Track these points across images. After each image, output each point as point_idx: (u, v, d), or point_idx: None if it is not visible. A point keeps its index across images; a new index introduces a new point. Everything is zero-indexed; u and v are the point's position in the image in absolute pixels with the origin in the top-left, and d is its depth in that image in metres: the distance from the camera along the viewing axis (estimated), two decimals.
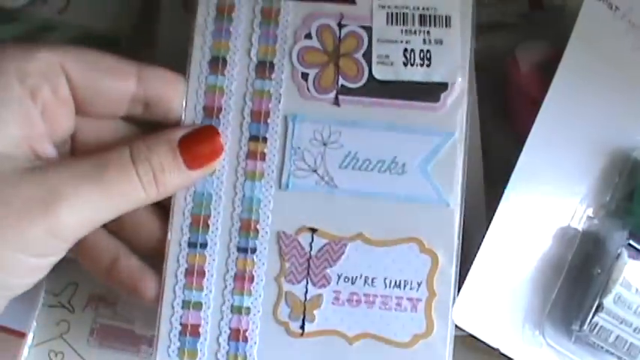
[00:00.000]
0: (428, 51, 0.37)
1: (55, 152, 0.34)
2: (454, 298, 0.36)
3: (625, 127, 0.39)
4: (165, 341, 0.36)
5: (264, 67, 0.36)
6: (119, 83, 0.34)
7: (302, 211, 0.36)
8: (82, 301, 0.45)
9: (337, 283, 0.36)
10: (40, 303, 0.43)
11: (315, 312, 0.36)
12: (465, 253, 0.37)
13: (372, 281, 0.36)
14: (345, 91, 0.36)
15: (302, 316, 0.36)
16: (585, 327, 0.36)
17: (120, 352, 0.43)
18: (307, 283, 0.36)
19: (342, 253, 0.36)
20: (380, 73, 0.36)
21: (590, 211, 0.38)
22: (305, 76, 0.36)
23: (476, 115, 0.41)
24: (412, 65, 0.37)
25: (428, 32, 0.37)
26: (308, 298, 0.36)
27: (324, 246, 0.36)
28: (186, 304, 0.36)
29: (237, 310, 0.36)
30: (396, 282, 0.36)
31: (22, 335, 0.43)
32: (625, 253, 0.37)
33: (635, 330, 0.37)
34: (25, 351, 0.43)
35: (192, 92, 0.36)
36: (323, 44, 0.36)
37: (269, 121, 0.36)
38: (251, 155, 0.36)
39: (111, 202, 0.33)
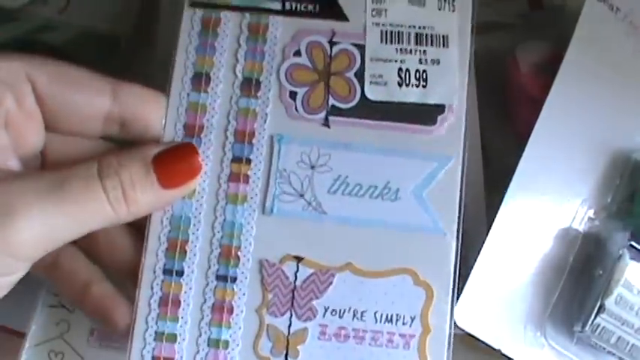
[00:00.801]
0: (424, 71, 0.40)
1: (19, 166, 0.36)
2: (450, 335, 0.38)
3: (626, 128, 0.42)
4: None
5: (249, 85, 0.39)
6: (91, 99, 0.36)
7: (287, 238, 0.38)
8: None
9: (324, 316, 0.38)
10: (40, 303, 0.45)
11: (299, 347, 0.38)
12: (465, 254, 0.39)
13: (362, 315, 0.38)
14: (335, 111, 0.39)
15: (285, 352, 0.38)
16: (587, 328, 0.39)
17: (120, 352, 0.44)
18: (291, 315, 0.38)
19: (330, 283, 0.38)
20: (373, 93, 0.40)
21: (591, 213, 0.42)
22: (293, 95, 0.40)
23: (475, 117, 0.44)
24: (407, 86, 0.40)
25: (424, 52, 0.40)
26: (292, 332, 0.38)
27: (310, 276, 0.38)
28: (159, 336, 0.38)
29: (214, 343, 0.38)
30: (387, 316, 0.38)
31: (22, 335, 0.45)
32: (626, 255, 0.40)
33: (636, 331, 0.39)
34: (25, 351, 0.45)
35: (173, 109, 0.39)
36: (313, 62, 0.40)
37: (254, 141, 0.39)
38: (233, 177, 0.39)
39: (73, 219, 0.34)
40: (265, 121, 0.38)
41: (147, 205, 0.36)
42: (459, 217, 0.38)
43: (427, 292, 0.38)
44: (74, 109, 0.36)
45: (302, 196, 0.38)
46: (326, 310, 0.38)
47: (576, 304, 0.41)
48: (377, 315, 0.38)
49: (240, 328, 0.37)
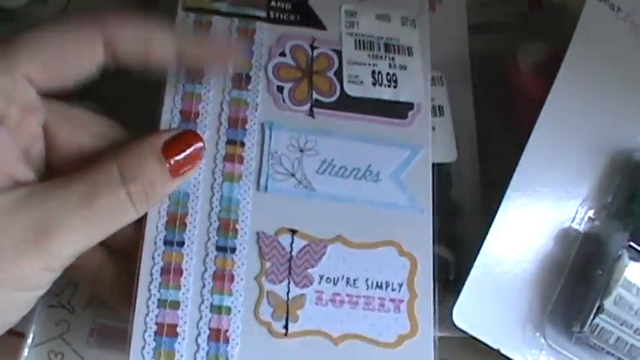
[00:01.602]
0: (394, 74, 0.52)
1: (31, 174, 0.41)
2: (435, 300, 0.48)
3: (626, 128, 0.47)
4: (140, 342, 0.42)
5: (240, 79, 0.49)
6: (82, 58, 0.41)
7: (281, 213, 0.47)
8: (82, 301, 0.51)
9: (319, 283, 0.46)
10: (40, 303, 0.48)
11: (298, 312, 0.45)
12: (464, 254, 0.46)
13: (354, 282, 0.47)
14: (319, 104, 0.49)
15: (285, 316, 0.45)
16: (586, 328, 0.44)
17: (120, 352, 0.47)
18: (289, 283, 0.46)
19: (323, 254, 0.47)
20: (351, 90, 0.50)
21: (591, 213, 0.47)
22: (280, 88, 0.49)
23: (472, 115, 0.53)
24: (380, 85, 0.51)
25: (393, 58, 0.52)
26: (290, 297, 0.46)
27: (305, 247, 0.47)
28: (162, 303, 0.44)
29: (217, 309, 0.44)
30: (377, 283, 0.47)
31: (22, 335, 0.49)
32: (626, 255, 0.44)
33: (635, 331, 0.44)
34: (25, 351, 0.49)
35: (169, 98, 0.48)
36: (297, 61, 0.50)
37: (247, 127, 0.48)
38: (229, 158, 0.47)
39: (103, 227, 0.40)
40: (256, 110, 0.48)
41: (162, 197, 0.43)
42: (432, 199, 0.49)
43: (411, 262, 0.47)
44: (68, 70, 0.42)
45: (293, 175, 0.47)
46: (321, 278, 0.45)
47: (575, 305, 0.45)
48: (368, 282, 0.46)
49: (241, 295, 0.44)
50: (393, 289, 0.45)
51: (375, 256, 0.45)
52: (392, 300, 0.44)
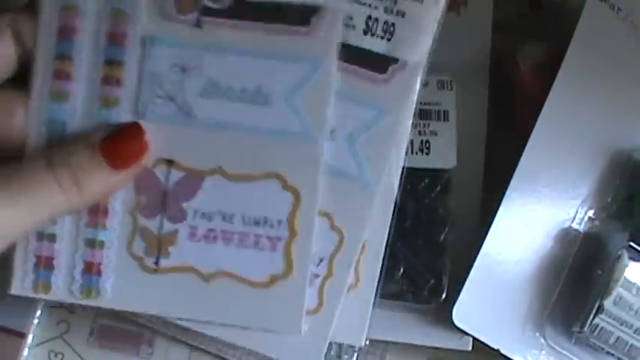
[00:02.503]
0: None
1: None
2: (315, 240, 0.44)
3: (626, 128, 0.47)
4: (20, 273, 0.44)
5: None
6: None
7: (158, 142, 0.43)
8: None
9: (194, 218, 0.44)
10: (40, 303, 0.52)
11: (170, 248, 0.44)
12: (457, 264, 0.45)
13: (231, 218, 0.44)
14: (208, 11, 0.44)
15: (157, 251, 0.44)
16: (586, 328, 0.44)
17: (120, 352, 0.53)
18: (162, 217, 0.45)
19: (200, 187, 0.44)
20: None
21: (591, 213, 0.47)
22: None
23: (483, 124, 0.50)
24: None
25: None
26: (163, 233, 0.45)
27: (181, 179, 0.44)
28: (39, 236, 0.44)
29: (91, 243, 0.44)
30: (255, 219, 0.44)
31: (22, 335, 0.51)
32: (625, 255, 0.44)
33: (635, 331, 0.44)
34: (25, 351, 0.52)
35: (45, 13, 0.43)
36: None
37: (126, 43, 0.44)
38: (106, 80, 0.44)
39: (28, 211, 0.40)
40: (137, 23, 0.43)
41: (100, 188, 0.41)
42: (329, 123, 0.43)
43: (294, 197, 0.43)
44: None
45: (173, 99, 0.43)
46: (196, 213, 0.43)
47: (575, 305, 0.46)
48: (245, 218, 0.43)
49: (115, 229, 0.44)
50: (271, 226, 0.42)
51: (255, 189, 0.43)
52: (269, 238, 0.42)
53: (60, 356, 0.52)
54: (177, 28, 0.43)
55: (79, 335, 0.52)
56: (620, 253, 0.45)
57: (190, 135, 0.43)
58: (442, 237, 0.49)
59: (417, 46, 0.43)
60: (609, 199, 0.47)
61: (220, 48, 0.42)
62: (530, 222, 0.46)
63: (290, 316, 0.42)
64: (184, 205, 0.43)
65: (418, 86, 0.43)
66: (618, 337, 0.45)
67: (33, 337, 0.51)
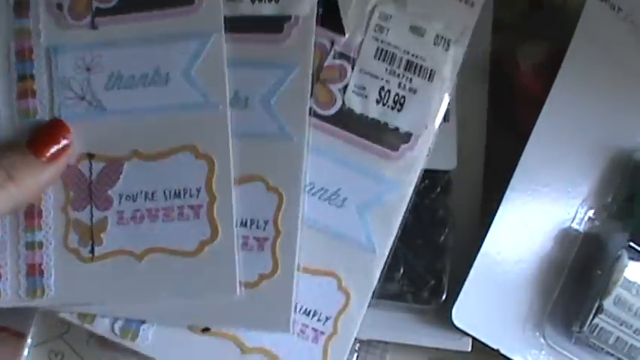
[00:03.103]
0: None
1: None
2: (234, 201, 0.46)
3: (627, 128, 0.47)
4: None
5: (20, 6, 0.47)
6: None
7: (77, 139, 0.46)
8: None
9: (120, 203, 0.46)
10: None
11: (102, 235, 0.46)
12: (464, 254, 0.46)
13: (153, 195, 0.46)
14: (100, 12, 0.46)
15: (90, 241, 0.46)
16: (585, 328, 0.44)
17: (120, 353, 0.54)
18: (92, 207, 0.47)
19: (120, 173, 0.46)
20: None
21: (591, 213, 0.47)
22: (60, 6, 0.47)
23: (483, 124, 0.51)
24: None
25: None
26: (94, 222, 0.47)
27: (103, 169, 0.46)
28: None
29: (30, 246, 0.47)
30: (175, 192, 0.46)
31: (22, 335, 0.52)
32: (625, 255, 0.44)
33: (635, 331, 0.44)
34: (25, 351, 0.52)
35: None
36: None
37: (33, 57, 0.48)
38: (22, 94, 0.47)
39: None
40: (40, 37, 0.46)
41: (34, 181, 0.44)
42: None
43: (208, 163, 0.45)
44: None
45: (83, 98, 0.46)
46: (121, 197, 0.45)
47: (575, 305, 0.46)
48: (166, 193, 0.45)
49: (50, 227, 0.46)
50: (191, 195, 0.44)
51: (171, 164, 0.45)
52: (190, 207, 0.44)
53: (60, 356, 0.53)
54: (75, 34, 0.46)
55: (79, 335, 0.51)
56: (620, 253, 0.45)
57: (104, 126, 0.45)
58: (442, 238, 0.49)
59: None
60: (609, 199, 0.47)
61: (116, 43, 0.45)
62: (530, 222, 0.46)
63: (223, 279, 0.44)
64: (109, 192, 0.45)
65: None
66: (618, 337, 0.44)
67: (33, 337, 0.51)
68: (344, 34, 0.46)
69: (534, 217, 0.46)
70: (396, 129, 0.46)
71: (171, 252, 0.44)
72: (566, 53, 0.46)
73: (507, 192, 0.46)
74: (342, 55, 0.46)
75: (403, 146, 0.46)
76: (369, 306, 0.45)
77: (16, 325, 0.50)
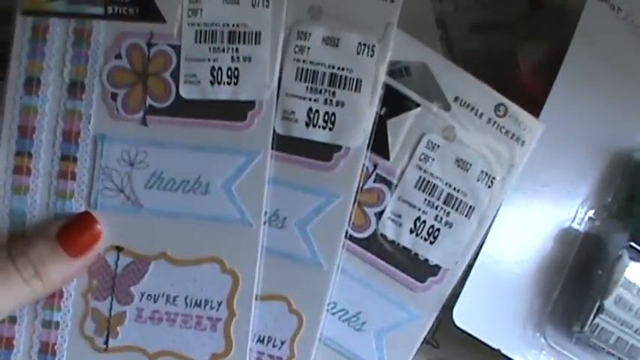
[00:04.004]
0: (236, 68, 0.47)
1: None
2: (252, 320, 0.46)
3: (627, 128, 0.47)
4: None
5: (75, 88, 0.47)
6: None
7: (109, 230, 0.47)
8: None
9: (140, 300, 0.47)
10: None
11: (118, 328, 0.47)
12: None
13: (174, 300, 0.47)
14: (152, 111, 0.47)
15: (106, 332, 0.47)
16: (586, 328, 0.44)
17: None
18: (112, 300, 0.47)
19: (146, 271, 0.47)
20: (186, 92, 0.47)
21: (591, 213, 0.47)
22: (114, 96, 0.47)
23: None
24: (219, 84, 0.47)
25: (237, 49, 0.47)
26: (112, 314, 0.47)
27: (129, 264, 0.47)
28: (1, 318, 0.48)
29: (47, 324, 0.47)
30: (197, 301, 0.47)
31: None
32: (626, 255, 0.44)
33: (635, 331, 0.44)
34: None
35: (8, 113, 0.48)
36: (132, 64, 0.47)
37: (79, 140, 0.48)
38: (62, 175, 0.47)
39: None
40: (89, 122, 0.47)
41: (60, 276, 0.44)
42: (264, 210, 0.46)
43: (233, 279, 0.45)
44: None
45: (122, 191, 0.46)
46: (142, 295, 0.46)
47: (576, 305, 0.45)
48: (187, 300, 0.46)
49: (69, 310, 0.46)
50: (211, 308, 0.45)
51: (197, 273, 0.45)
52: (209, 318, 0.45)
53: None
54: (124, 126, 0.46)
55: None
56: (620, 253, 0.44)
57: (137, 223, 0.46)
58: None
59: (262, 84, 0.46)
60: (609, 199, 0.47)
61: (163, 143, 0.45)
62: (530, 222, 0.46)
63: None
64: (132, 288, 0.45)
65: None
66: (618, 337, 0.44)
67: None
68: (388, 159, 0.46)
69: (534, 217, 0.46)
70: (426, 261, 0.46)
71: (183, 358, 0.44)
72: (566, 53, 0.45)
73: (507, 192, 0.45)
74: (382, 179, 0.47)
75: (431, 279, 0.46)
76: None
77: None
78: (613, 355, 0.45)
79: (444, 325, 0.49)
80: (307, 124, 0.46)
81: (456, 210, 0.46)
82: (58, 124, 0.46)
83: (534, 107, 0.45)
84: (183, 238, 0.45)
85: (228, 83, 0.45)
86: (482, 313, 0.45)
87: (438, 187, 0.46)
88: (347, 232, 0.46)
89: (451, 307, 0.45)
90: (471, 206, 0.46)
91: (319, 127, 0.46)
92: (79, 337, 0.46)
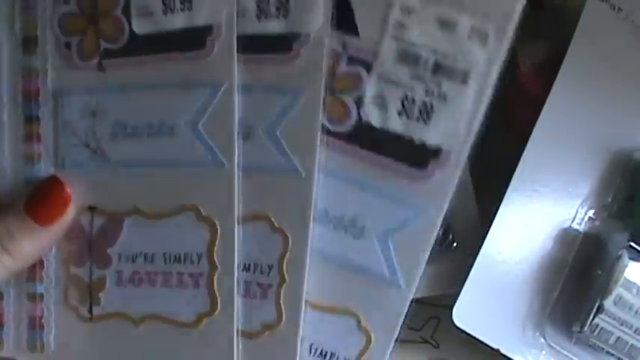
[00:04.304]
0: None
1: None
2: (237, 271, 0.41)
3: (627, 128, 0.45)
4: None
5: (28, 42, 0.44)
6: None
7: (80, 190, 0.43)
8: None
9: (119, 262, 0.42)
10: None
11: (100, 295, 0.43)
12: (461, 254, 0.44)
13: (152, 258, 0.42)
14: (108, 54, 0.42)
15: (89, 300, 0.43)
16: (586, 328, 0.43)
17: None
18: (91, 265, 0.43)
19: (120, 230, 0.43)
20: (140, 26, 0.42)
21: (591, 213, 0.45)
22: (68, 45, 0.43)
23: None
24: (172, 12, 0.42)
25: None
26: (93, 280, 0.43)
27: (103, 225, 0.43)
28: None
29: (32, 297, 0.44)
30: (175, 256, 0.42)
31: None
32: (626, 255, 0.43)
33: (635, 331, 0.43)
34: None
35: None
36: (80, 6, 0.43)
37: (40, 99, 0.44)
38: (28, 137, 0.44)
39: None
40: (47, 76, 0.43)
41: (32, 247, 0.41)
42: (237, 146, 0.40)
43: (211, 228, 0.40)
44: None
45: (88, 145, 0.42)
46: (120, 257, 0.42)
47: (575, 305, 0.44)
48: (166, 256, 0.41)
49: (52, 281, 0.43)
50: (191, 262, 0.40)
51: (172, 225, 0.41)
52: (191, 274, 0.40)
53: None
54: (83, 76, 0.42)
55: None
56: (620, 253, 0.43)
57: (107, 178, 0.42)
58: None
59: (220, 5, 0.40)
60: (609, 199, 0.46)
61: (123, 87, 0.41)
62: (530, 222, 0.45)
63: (220, 355, 0.39)
64: (109, 250, 0.41)
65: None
66: (618, 337, 0.43)
67: None
68: (357, 35, 0.40)
69: (534, 217, 0.45)
70: (423, 144, 0.40)
71: (169, 321, 0.41)
72: (566, 53, 0.44)
73: (507, 192, 0.44)
74: (356, 60, 0.40)
75: (432, 163, 0.40)
76: None
77: None
78: (613, 355, 0.44)
79: (443, 325, 0.49)
80: (259, 17, 0.40)
81: (449, 79, 0.40)
82: (18, 85, 0.42)
83: (534, 107, 0.44)
84: (154, 189, 0.41)
85: (182, 10, 0.40)
86: (482, 313, 0.44)
87: (422, 56, 0.40)
88: (323, 125, 0.40)
89: (451, 307, 0.44)
90: (465, 71, 0.40)
91: (272, 16, 0.40)
92: (65, 308, 0.43)
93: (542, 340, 0.45)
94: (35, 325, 0.43)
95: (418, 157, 0.40)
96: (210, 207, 0.40)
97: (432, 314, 0.50)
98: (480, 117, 0.40)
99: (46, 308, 0.43)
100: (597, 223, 0.46)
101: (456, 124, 0.40)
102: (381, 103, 0.40)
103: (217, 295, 0.40)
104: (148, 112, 0.41)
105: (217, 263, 0.40)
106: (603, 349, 0.44)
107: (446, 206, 0.40)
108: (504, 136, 0.47)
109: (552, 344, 0.45)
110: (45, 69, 0.43)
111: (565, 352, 0.45)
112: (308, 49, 0.40)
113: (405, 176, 0.40)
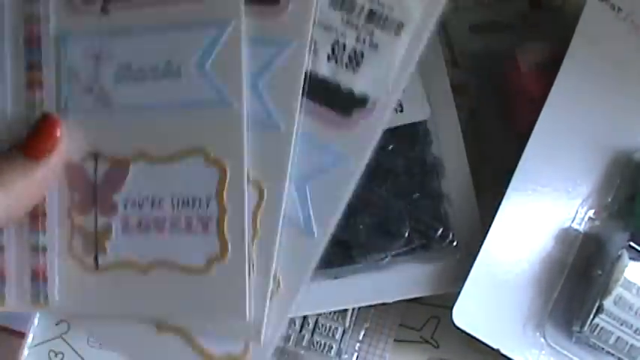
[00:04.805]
0: None
1: None
2: (249, 214, 0.40)
3: (627, 128, 0.45)
4: None
5: None
6: None
7: (84, 135, 0.42)
8: None
9: (125, 208, 0.41)
10: None
11: (106, 243, 0.41)
12: (462, 253, 0.44)
13: (160, 202, 0.41)
14: None
15: (94, 249, 0.42)
16: (586, 328, 0.43)
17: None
18: (96, 212, 0.42)
19: (126, 175, 0.41)
20: None
21: (591, 213, 0.45)
22: None
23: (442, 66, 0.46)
24: None
25: None
26: (98, 228, 0.42)
27: (108, 171, 0.41)
28: None
29: (34, 248, 0.42)
30: (184, 200, 0.40)
31: (22, 335, 0.50)
32: (626, 255, 0.43)
33: (635, 331, 0.43)
34: (25, 351, 0.50)
35: None
36: None
37: (41, 45, 0.42)
38: (29, 85, 0.42)
39: None
40: (49, 22, 0.41)
41: (27, 182, 0.40)
42: (245, 86, 0.39)
43: (220, 170, 0.39)
44: None
45: (91, 90, 0.41)
46: (126, 203, 0.40)
47: (575, 304, 0.44)
48: (174, 201, 0.40)
49: (55, 231, 0.41)
50: (200, 206, 0.39)
51: (180, 168, 0.40)
52: (200, 218, 0.39)
53: (60, 356, 0.50)
54: (86, 20, 0.41)
55: (79, 335, 0.49)
56: (620, 253, 0.43)
57: (111, 123, 0.41)
58: (438, 183, 0.46)
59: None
60: (609, 199, 0.46)
61: (126, 30, 0.40)
62: (530, 222, 0.44)
63: (232, 302, 0.38)
64: (114, 196, 0.39)
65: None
66: (618, 337, 0.43)
67: (33, 337, 0.49)
68: None
69: (534, 217, 0.44)
70: (350, 91, 0.39)
71: (178, 267, 0.39)
72: (566, 53, 0.44)
73: (507, 192, 0.44)
74: None
75: (357, 112, 0.39)
76: (377, 269, 0.44)
77: (16, 325, 0.48)
78: (613, 355, 0.43)
79: (443, 325, 0.49)
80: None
81: (382, 28, 0.39)
82: (19, 32, 0.41)
83: (534, 107, 0.44)
84: (161, 132, 0.40)
85: None
86: (482, 313, 0.43)
87: (357, 3, 0.39)
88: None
89: (451, 307, 0.43)
90: (399, 22, 0.39)
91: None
92: (69, 258, 0.41)
93: (542, 340, 0.45)
94: (39, 278, 0.41)
95: (344, 103, 0.39)
96: (219, 148, 0.38)
97: (432, 314, 0.50)
98: (410, 70, 0.39)
99: (49, 260, 0.41)
100: (597, 223, 0.45)
101: (386, 75, 0.39)
102: (312, 46, 0.39)
103: (227, 239, 0.38)
104: (153, 54, 0.40)
105: (227, 206, 0.38)
106: (603, 349, 0.43)
107: (367, 156, 0.39)
108: (504, 136, 0.48)
109: (552, 344, 0.45)
110: (47, 14, 0.41)
111: (565, 352, 0.45)
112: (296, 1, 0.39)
113: (328, 122, 0.39)
